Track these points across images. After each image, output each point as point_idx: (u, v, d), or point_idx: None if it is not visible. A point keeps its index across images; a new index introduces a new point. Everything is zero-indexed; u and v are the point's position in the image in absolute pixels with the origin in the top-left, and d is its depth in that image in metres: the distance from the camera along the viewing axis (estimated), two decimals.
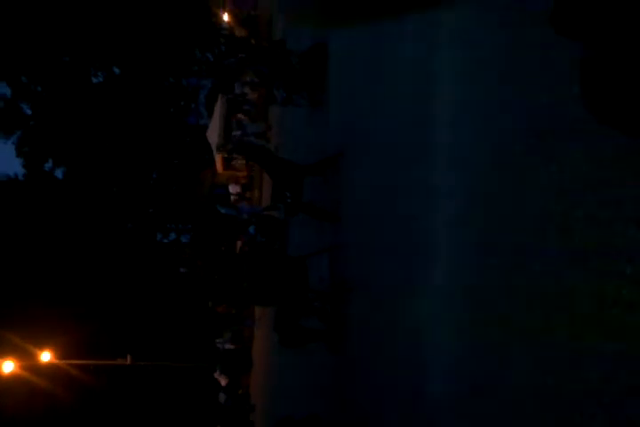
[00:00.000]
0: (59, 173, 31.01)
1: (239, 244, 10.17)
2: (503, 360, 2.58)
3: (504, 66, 2.88)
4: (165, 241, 31.78)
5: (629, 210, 1.89)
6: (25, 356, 20.55)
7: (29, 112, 30.40)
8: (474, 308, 2.89)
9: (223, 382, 17.93)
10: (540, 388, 2.25)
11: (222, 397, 18.91)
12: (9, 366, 19.31)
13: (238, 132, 18.78)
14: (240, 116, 19.27)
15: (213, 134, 21.58)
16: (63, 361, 21.33)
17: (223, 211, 12.11)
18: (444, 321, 3.28)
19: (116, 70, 30.99)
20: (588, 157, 2.09)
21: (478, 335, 2.84)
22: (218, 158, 22.47)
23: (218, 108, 21.20)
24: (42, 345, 21.08)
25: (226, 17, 22.98)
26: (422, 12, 0.36)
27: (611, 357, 1.88)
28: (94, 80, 30.61)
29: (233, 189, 22.98)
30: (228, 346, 19.68)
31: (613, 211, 1.95)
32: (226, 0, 10.67)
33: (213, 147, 21.94)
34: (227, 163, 23.02)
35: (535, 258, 2.33)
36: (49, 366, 21.32)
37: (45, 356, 20.64)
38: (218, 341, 21.40)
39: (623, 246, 1.91)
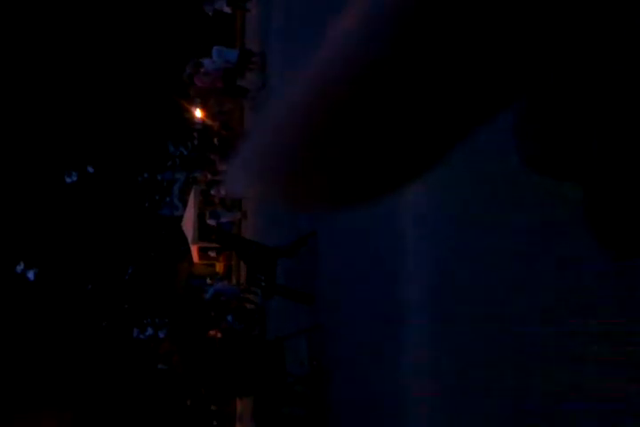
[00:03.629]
0: (31, 275, 30.41)
1: (216, 333, 9.93)
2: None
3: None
4: (142, 337, 30.78)
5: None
6: None
7: None
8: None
9: None
10: None
11: None
12: None
13: (213, 222, 18.89)
14: (214, 205, 19.47)
15: (188, 225, 21.70)
16: None
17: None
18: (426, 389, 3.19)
19: (90, 169, 31.43)
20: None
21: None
22: (194, 249, 22.45)
23: (192, 199, 21.48)
24: None
25: (198, 112, 23.84)
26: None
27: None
28: (68, 180, 30.91)
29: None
30: None
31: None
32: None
33: (189, 238, 21.98)
34: (203, 253, 22.99)
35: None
36: None
37: None
38: None
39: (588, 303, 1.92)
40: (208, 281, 23.02)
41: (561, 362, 2.01)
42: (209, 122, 21.98)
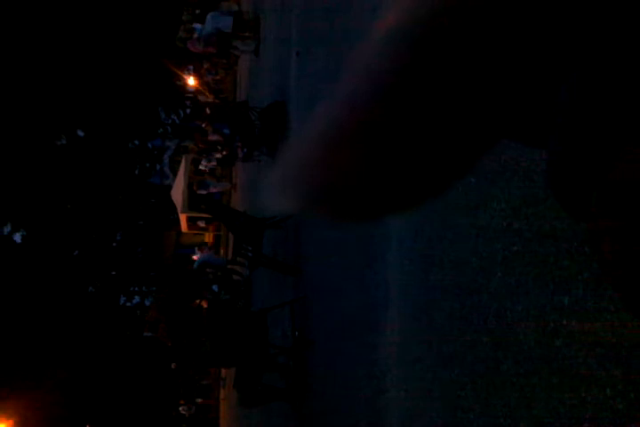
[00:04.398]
0: (17, 238, 30.32)
1: (202, 302, 10.01)
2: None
3: None
4: (129, 305, 30.97)
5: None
6: None
7: None
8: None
9: None
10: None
11: None
12: None
13: (202, 192, 18.82)
14: (204, 175, 19.39)
15: (177, 194, 21.61)
16: None
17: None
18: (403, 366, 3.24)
19: (80, 133, 31.10)
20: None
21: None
22: (182, 218, 22.40)
23: (182, 168, 21.33)
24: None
25: (191, 80, 23.54)
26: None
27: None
28: (57, 143, 30.58)
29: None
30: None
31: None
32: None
33: (178, 207, 21.91)
34: (191, 223, 22.96)
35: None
36: None
37: None
38: (182, 408, 20.66)
39: (560, 279, 1.94)
40: (195, 251, 23.07)
41: (536, 337, 2.04)
42: (201, 90, 21.71)
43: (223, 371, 16.34)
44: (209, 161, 18.57)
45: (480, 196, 2.40)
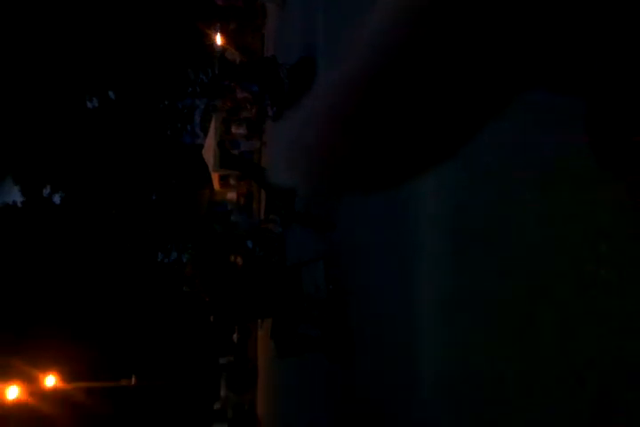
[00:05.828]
0: (57, 199, 31.10)
1: (237, 259, 10.22)
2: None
3: None
4: (167, 261, 31.76)
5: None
6: (29, 380, 20.45)
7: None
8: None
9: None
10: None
11: (229, 412, 18.88)
12: (13, 392, 19.22)
13: (234, 151, 18.93)
14: (235, 133, 19.43)
15: (209, 153, 21.78)
16: (68, 385, 21.24)
17: (220, 229, 12.17)
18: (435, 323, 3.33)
19: (112, 95, 31.26)
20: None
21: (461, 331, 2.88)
22: (214, 176, 22.65)
23: (212, 128, 21.40)
24: (46, 369, 21.02)
25: (219, 39, 23.31)
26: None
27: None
28: (89, 105, 30.85)
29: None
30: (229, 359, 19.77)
31: None
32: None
33: (210, 165, 22.12)
34: (223, 181, 23.22)
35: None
36: (54, 390, 21.22)
37: (50, 380, 20.57)
38: (222, 359, 21.38)
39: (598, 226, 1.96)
40: (228, 207, 23.37)
41: (573, 289, 2.09)
42: (229, 48, 21.48)
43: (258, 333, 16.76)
44: (239, 125, 18.62)
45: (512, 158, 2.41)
